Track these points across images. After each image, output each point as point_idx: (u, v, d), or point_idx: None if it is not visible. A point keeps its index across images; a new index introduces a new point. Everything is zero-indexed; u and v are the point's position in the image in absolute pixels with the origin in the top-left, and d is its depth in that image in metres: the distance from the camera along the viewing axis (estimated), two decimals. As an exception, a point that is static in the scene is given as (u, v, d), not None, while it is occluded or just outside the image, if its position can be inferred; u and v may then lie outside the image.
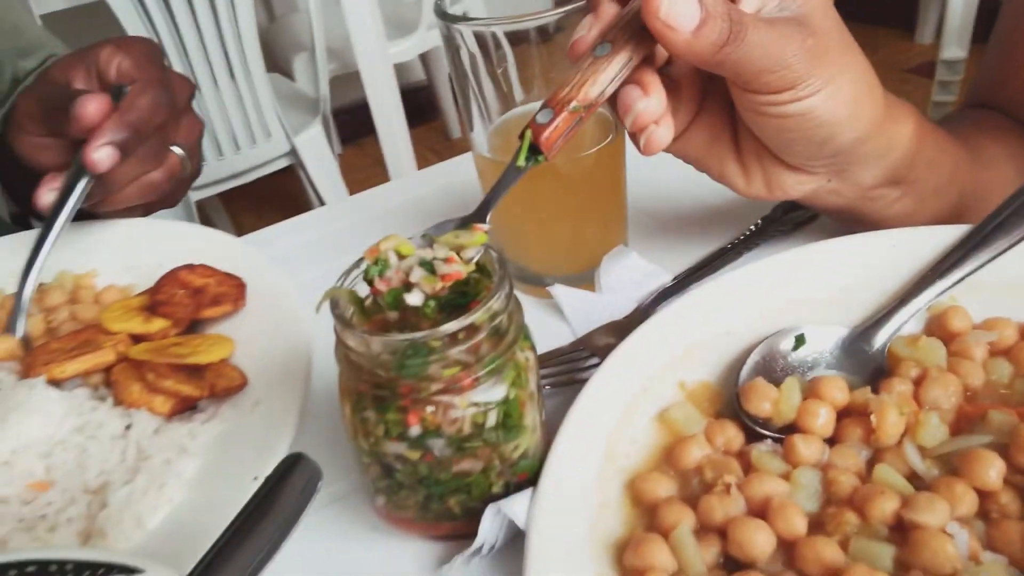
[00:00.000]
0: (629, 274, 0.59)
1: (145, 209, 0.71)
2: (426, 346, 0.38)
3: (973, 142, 0.62)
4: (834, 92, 0.47)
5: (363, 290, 0.42)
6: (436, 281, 0.39)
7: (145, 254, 0.66)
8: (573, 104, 0.43)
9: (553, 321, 0.60)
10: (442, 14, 0.52)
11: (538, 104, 0.45)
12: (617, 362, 0.48)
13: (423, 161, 2.34)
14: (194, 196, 2.01)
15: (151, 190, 0.66)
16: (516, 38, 0.53)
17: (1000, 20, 0.69)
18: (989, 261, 0.49)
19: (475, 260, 0.40)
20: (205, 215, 2.59)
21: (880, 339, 0.48)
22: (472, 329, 0.38)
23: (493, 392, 0.40)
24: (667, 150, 0.52)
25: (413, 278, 0.39)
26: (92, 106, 0.59)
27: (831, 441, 0.43)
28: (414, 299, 0.39)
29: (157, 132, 0.64)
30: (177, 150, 0.68)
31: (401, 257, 0.40)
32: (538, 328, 0.59)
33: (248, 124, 1.94)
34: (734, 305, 0.51)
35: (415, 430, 0.39)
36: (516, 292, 0.63)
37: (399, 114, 2.22)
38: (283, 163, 2.12)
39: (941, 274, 0.49)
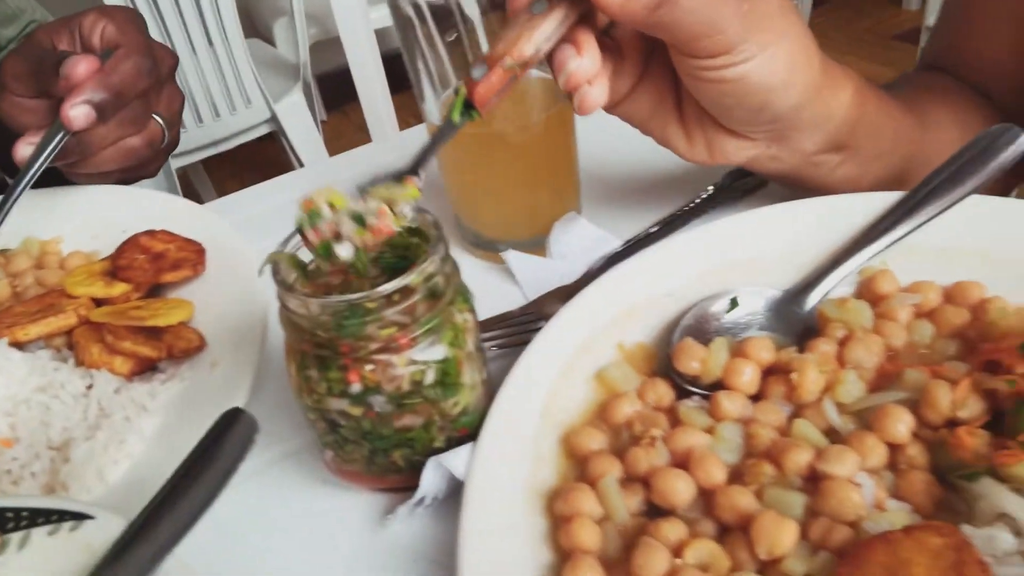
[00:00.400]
0: (579, 240, 0.61)
1: (123, 175, 0.72)
2: (363, 307, 0.39)
3: (920, 106, 0.63)
4: (769, 59, 0.48)
5: (307, 255, 0.44)
6: (365, 233, 0.40)
7: (111, 221, 0.68)
8: (507, 61, 0.44)
9: (506, 286, 0.61)
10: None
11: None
12: (558, 325, 0.50)
13: (406, 127, 2.33)
14: (175, 164, 2.01)
15: (130, 155, 0.67)
16: (464, 5, 0.54)
17: None
18: (918, 227, 0.51)
19: (408, 216, 0.41)
20: (188, 182, 2.59)
21: (811, 301, 0.50)
22: (407, 291, 0.40)
23: (431, 351, 0.42)
24: (613, 112, 0.54)
25: (343, 230, 0.40)
26: (82, 66, 0.61)
27: (757, 398, 0.45)
28: (344, 251, 0.40)
29: (139, 98, 0.65)
30: (157, 119, 0.69)
31: (334, 209, 0.41)
32: (492, 292, 0.61)
33: (227, 91, 1.93)
34: (673, 269, 0.53)
35: (356, 387, 0.41)
36: (472, 258, 0.65)
37: (381, 80, 2.21)
38: (264, 129, 2.12)
39: (872, 239, 0.51)
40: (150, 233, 0.61)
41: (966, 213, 0.52)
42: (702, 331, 0.49)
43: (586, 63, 0.46)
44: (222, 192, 2.89)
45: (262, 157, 2.70)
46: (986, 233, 0.51)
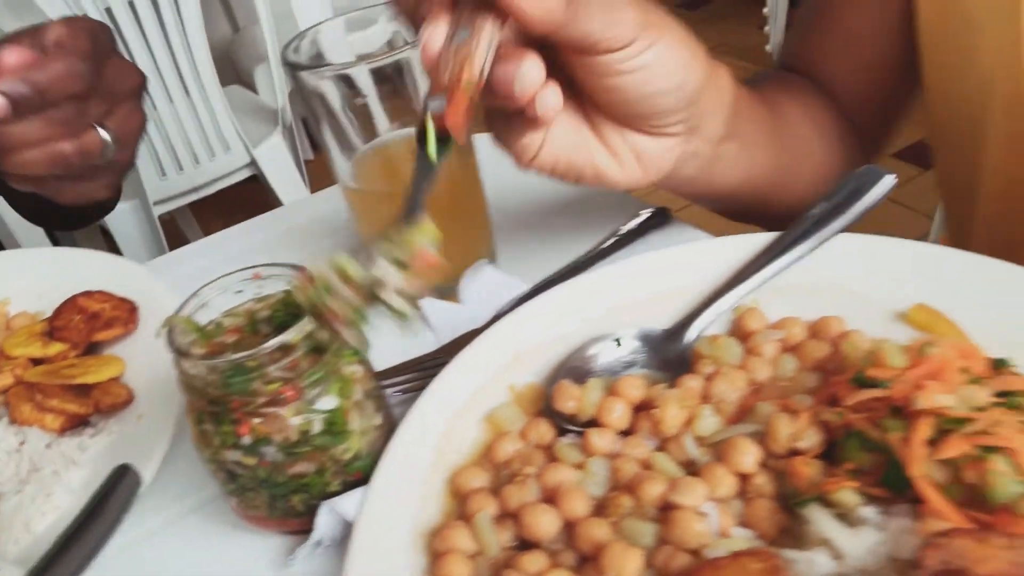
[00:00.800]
0: (488, 286, 0.65)
1: (59, 185, 0.70)
2: (246, 366, 0.43)
3: (776, 103, 0.67)
4: (669, 43, 0.50)
5: (204, 317, 0.48)
6: (410, 274, 0.42)
7: (57, 282, 0.72)
8: (465, 80, 0.42)
9: (422, 332, 0.65)
10: (290, 64, 0.57)
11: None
12: (453, 370, 0.54)
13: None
14: (158, 210, 2.06)
15: (58, 160, 0.65)
16: (370, 74, 0.58)
17: None
18: (788, 266, 0.55)
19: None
20: (175, 226, 2.64)
21: (688, 339, 0.54)
22: (287, 348, 0.44)
23: (318, 402, 0.46)
24: (538, 167, 0.53)
25: (389, 281, 0.41)
26: (12, 56, 0.60)
27: (629, 432, 0.49)
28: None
29: (72, 102, 0.63)
30: (103, 133, 0.67)
31: (346, 280, 0.42)
32: (407, 338, 0.65)
33: (206, 138, 1.99)
34: (564, 314, 0.56)
35: (247, 439, 0.45)
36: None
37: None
38: (246, 173, 2.17)
39: (743, 279, 0.55)
40: (87, 294, 0.65)
41: (833, 251, 0.55)
42: (584, 372, 0.53)
43: (532, 68, 0.45)
44: (208, 233, 2.95)
45: (248, 198, 2.75)
46: (852, 270, 0.55)
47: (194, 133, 1.96)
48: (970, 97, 0.67)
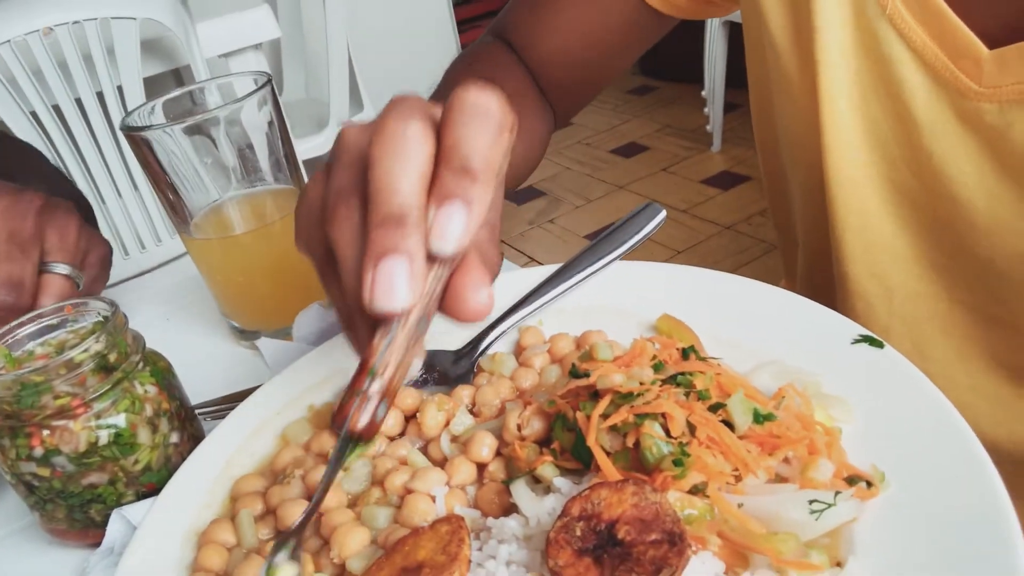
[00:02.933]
0: (318, 323, 0.70)
1: None
2: (32, 380, 0.48)
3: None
4: None
5: (18, 346, 0.53)
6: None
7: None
8: (384, 391, 0.38)
9: (262, 369, 0.71)
10: (128, 128, 0.64)
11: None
12: (260, 392, 0.59)
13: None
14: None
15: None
16: (201, 130, 0.66)
17: None
18: (568, 290, 0.61)
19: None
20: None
21: (474, 357, 0.59)
22: (72, 365, 0.49)
23: (106, 417, 0.51)
24: None
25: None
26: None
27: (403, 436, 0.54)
28: None
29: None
30: (64, 268, 0.64)
31: None
32: (248, 376, 0.70)
33: (152, 224, 2.08)
34: (368, 340, 0.62)
35: (38, 451, 0.50)
36: (236, 346, 0.74)
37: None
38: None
39: (526, 304, 0.61)
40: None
41: (607, 275, 0.62)
42: (373, 388, 0.58)
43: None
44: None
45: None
46: (618, 290, 0.61)
47: (141, 223, 2.05)
48: (782, 153, 0.73)
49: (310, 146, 2.68)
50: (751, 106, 0.76)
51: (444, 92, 0.75)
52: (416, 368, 0.40)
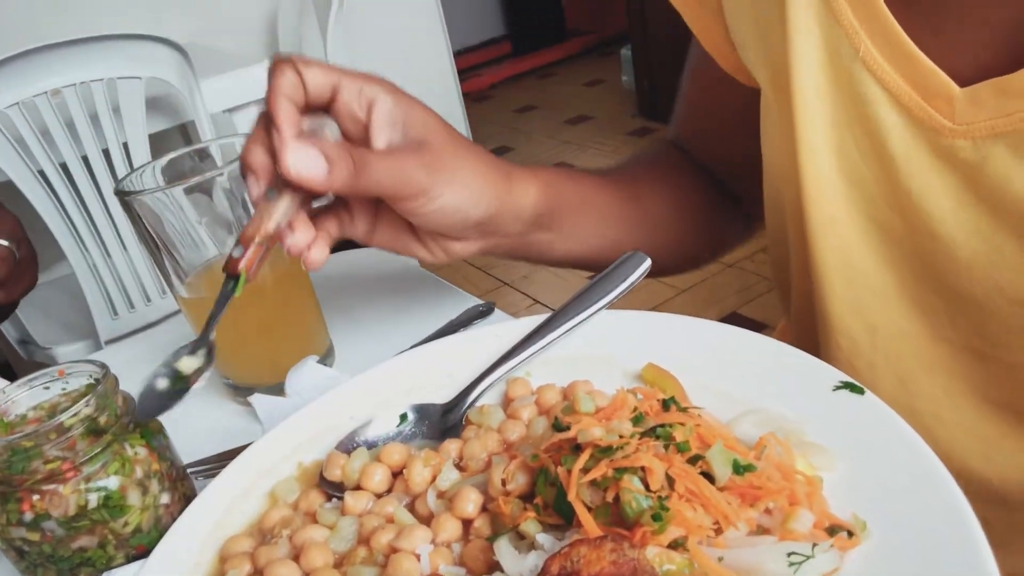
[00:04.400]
0: (312, 380, 0.71)
1: None
2: (22, 445, 0.49)
3: (636, 184, 0.77)
4: (457, 188, 0.61)
5: (13, 412, 0.54)
6: None
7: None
8: (257, 239, 0.57)
9: (255, 426, 0.71)
10: (121, 193, 0.66)
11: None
12: (248, 452, 0.59)
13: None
14: (109, 347, 2.14)
15: None
16: (194, 192, 0.67)
17: (687, 61, 0.82)
18: (554, 340, 0.62)
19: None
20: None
21: (462, 409, 0.60)
22: (62, 429, 0.50)
23: (95, 480, 0.51)
24: (367, 243, 0.66)
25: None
26: None
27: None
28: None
29: None
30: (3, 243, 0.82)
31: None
32: (241, 433, 0.71)
33: (159, 279, 2.10)
34: (363, 395, 0.62)
35: (28, 515, 0.50)
36: (231, 403, 0.74)
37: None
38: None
39: (513, 355, 0.61)
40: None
41: (594, 325, 0.62)
42: (365, 444, 0.58)
43: (299, 238, 0.59)
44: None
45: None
46: (604, 339, 0.62)
47: (146, 276, 2.07)
48: (774, 192, 0.74)
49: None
50: (761, 137, 0.77)
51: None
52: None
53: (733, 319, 2.61)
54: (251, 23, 3.15)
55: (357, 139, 0.61)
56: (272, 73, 0.57)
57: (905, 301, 0.61)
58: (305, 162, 0.56)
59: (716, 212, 0.84)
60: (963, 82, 0.51)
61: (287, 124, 0.56)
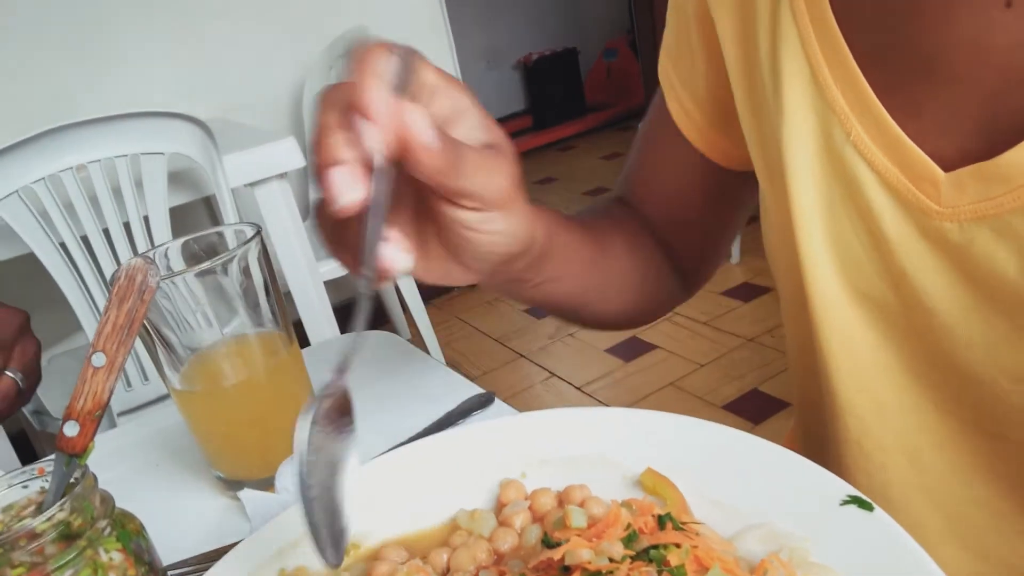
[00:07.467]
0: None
1: None
2: (-12, 552, 0.47)
3: (602, 235, 0.74)
4: (519, 216, 0.53)
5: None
6: None
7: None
8: (97, 413, 0.53)
9: (245, 522, 0.69)
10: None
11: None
12: (231, 555, 0.57)
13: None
14: (122, 419, 2.14)
15: None
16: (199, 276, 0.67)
17: (643, 121, 0.80)
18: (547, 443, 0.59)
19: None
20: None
21: (452, 513, 0.57)
22: (33, 535, 0.48)
23: (66, 586, 0.49)
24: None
25: None
26: None
27: (371, 607, 0.51)
28: None
29: None
30: (11, 374, 0.76)
31: None
32: (231, 531, 0.68)
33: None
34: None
35: (-8, 625, 0.48)
36: (223, 497, 0.72)
37: (332, 328, 2.39)
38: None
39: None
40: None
41: (596, 423, 0.60)
42: (347, 550, 0.56)
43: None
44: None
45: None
46: (606, 440, 0.59)
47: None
48: (773, 274, 0.73)
49: (334, 266, 2.73)
50: (761, 221, 0.76)
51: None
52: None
53: (754, 396, 2.56)
54: (278, 100, 3.24)
55: None
56: (368, 57, 0.45)
57: (909, 377, 0.61)
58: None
59: (663, 266, 0.82)
60: (948, 166, 0.52)
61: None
